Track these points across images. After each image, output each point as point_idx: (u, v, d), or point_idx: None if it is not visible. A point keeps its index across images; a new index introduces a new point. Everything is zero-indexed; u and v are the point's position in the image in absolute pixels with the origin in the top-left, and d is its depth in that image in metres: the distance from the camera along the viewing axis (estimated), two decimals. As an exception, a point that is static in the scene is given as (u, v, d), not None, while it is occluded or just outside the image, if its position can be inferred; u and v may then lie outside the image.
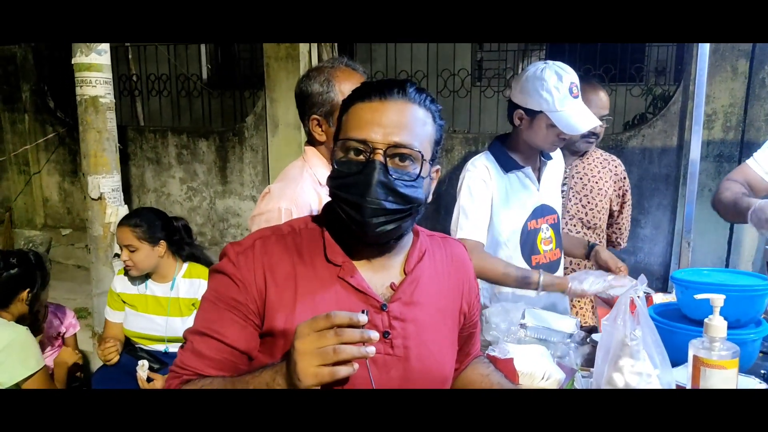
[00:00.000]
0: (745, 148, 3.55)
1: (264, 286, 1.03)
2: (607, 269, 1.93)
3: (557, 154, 2.08)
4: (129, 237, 2.36)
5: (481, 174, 1.89)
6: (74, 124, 5.47)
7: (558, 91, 1.74)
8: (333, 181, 1.02)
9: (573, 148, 2.36)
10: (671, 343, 1.28)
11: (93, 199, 3.26)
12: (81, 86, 3.17)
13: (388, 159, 0.98)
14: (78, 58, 3.12)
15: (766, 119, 3.55)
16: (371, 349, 0.81)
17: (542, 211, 1.96)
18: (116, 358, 2.42)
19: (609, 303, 1.79)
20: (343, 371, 0.80)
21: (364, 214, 0.98)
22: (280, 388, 0.87)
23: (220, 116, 6.23)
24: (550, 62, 1.80)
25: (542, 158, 1.97)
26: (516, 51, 6.55)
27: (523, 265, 1.92)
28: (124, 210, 3.29)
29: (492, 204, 1.90)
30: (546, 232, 1.97)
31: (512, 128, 1.93)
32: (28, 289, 2.24)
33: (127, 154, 5.54)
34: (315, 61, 4.78)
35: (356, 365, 0.82)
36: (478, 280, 1.98)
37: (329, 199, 1.06)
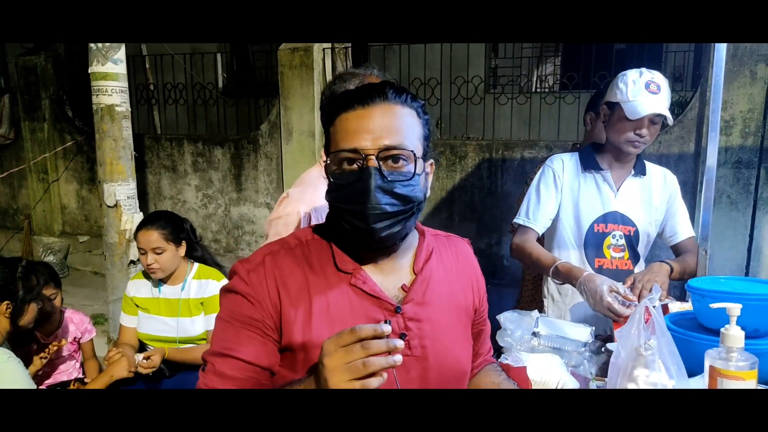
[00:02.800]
0: (765, 155, 3.49)
1: (278, 300, 1.03)
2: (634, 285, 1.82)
3: (665, 178, 2.06)
4: (157, 239, 2.38)
5: (555, 167, 2.01)
6: (92, 132, 5.55)
7: (634, 83, 1.84)
8: (332, 194, 1.03)
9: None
10: (688, 352, 1.26)
11: (108, 206, 3.30)
12: (97, 95, 3.22)
13: (381, 163, 0.98)
14: (94, 67, 3.17)
15: (786, 125, 3.49)
16: (398, 358, 0.81)
17: (615, 218, 1.98)
18: (122, 374, 2.34)
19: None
20: (374, 383, 0.80)
21: (368, 220, 0.98)
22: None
23: (235, 124, 6.28)
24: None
25: (633, 171, 2.00)
26: (530, 58, 6.52)
27: (585, 265, 1.97)
28: (139, 217, 3.32)
29: (561, 198, 1.99)
30: (617, 240, 1.98)
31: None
32: (7, 302, 2.07)
33: (144, 161, 5.61)
34: (329, 70, 4.81)
35: (385, 375, 0.81)
36: None
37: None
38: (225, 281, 2.17)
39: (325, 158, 1.05)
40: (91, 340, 2.83)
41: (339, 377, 0.81)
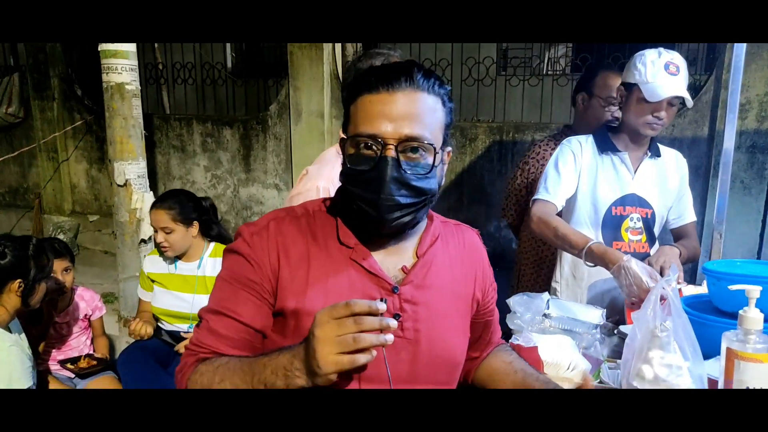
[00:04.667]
0: (780, 139, 3.45)
1: (278, 265, 1.03)
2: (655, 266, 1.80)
3: (676, 160, 2.04)
4: (165, 219, 2.40)
5: (573, 147, 1.99)
6: (102, 111, 5.54)
7: (653, 65, 1.81)
8: (346, 177, 1.02)
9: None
10: (702, 335, 1.24)
11: (119, 185, 3.30)
12: (107, 73, 3.20)
13: (399, 153, 0.97)
14: (104, 45, 3.16)
15: (803, 109, 3.44)
16: (389, 337, 0.82)
17: (632, 201, 1.96)
18: (149, 331, 2.43)
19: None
20: (362, 359, 0.81)
21: (380, 210, 0.98)
22: (298, 374, 0.87)
23: (244, 104, 6.25)
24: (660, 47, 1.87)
25: (649, 151, 1.97)
26: (539, 42, 6.44)
27: None
28: (149, 196, 3.32)
29: (579, 179, 1.96)
30: (635, 222, 1.96)
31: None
32: (19, 280, 2.07)
33: (153, 141, 5.60)
34: (339, 50, 4.77)
35: (374, 352, 0.82)
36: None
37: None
38: None
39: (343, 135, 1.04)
40: (101, 317, 2.86)
41: (328, 348, 0.81)
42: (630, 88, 1.88)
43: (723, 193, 1.92)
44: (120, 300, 3.55)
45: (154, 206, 2.46)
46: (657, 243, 2.03)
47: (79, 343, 2.74)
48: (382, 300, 0.82)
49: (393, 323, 0.82)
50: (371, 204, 0.98)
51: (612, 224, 1.96)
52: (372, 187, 0.97)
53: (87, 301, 2.78)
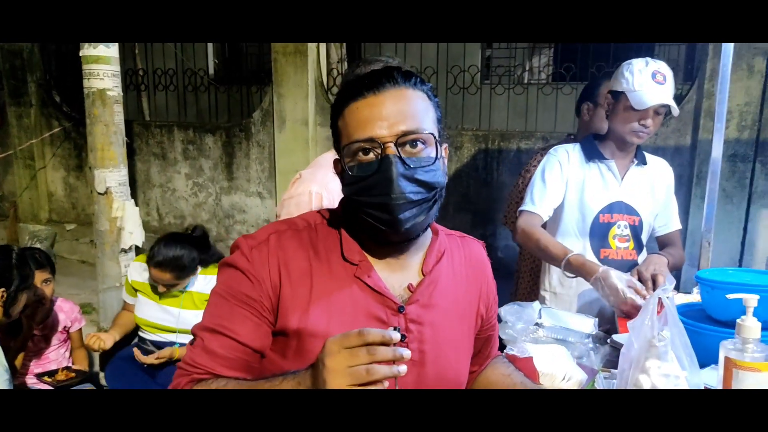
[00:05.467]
0: (761, 148, 3.50)
1: (278, 282, 0.98)
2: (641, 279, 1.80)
3: (662, 168, 2.06)
4: (170, 279, 2.38)
5: (559, 157, 1.99)
6: (80, 118, 5.45)
7: (641, 73, 1.83)
8: (351, 188, 0.98)
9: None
10: (696, 344, 1.23)
11: (99, 193, 3.23)
12: (89, 79, 3.14)
13: (400, 150, 0.94)
14: (86, 50, 3.10)
15: (782, 119, 3.50)
16: (403, 368, 0.78)
17: (620, 208, 1.97)
18: (106, 345, 2.41)
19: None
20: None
21: (393, 211, 0.94)
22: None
23: (226, 111, 6.19)
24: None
25: (635, 159, 1.98)
26: (526, 48, 6.49)
27: (591, 255, 1.94)
28: (130, 204, 3.26)
29: (566, 188, 1.96)
30: (623, 230, 1.97)
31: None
32: (2, 290, 2.02)
33: (133, 149, 5.52)
34: (324, 57, 4.75)
35: (387, 383, 0.78)
36: None
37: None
38: None
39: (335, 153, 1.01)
40: (80, 329, 2.79)
41: (339, 380, 0.77)
42: (617, 96, 1.90)
43: (711, 201, 1.93)
44: (99, 311, 3.47)
45: (156, 265, 2.35)
46: (645, 250, 2.04)
47: (57, 356, 2.67)
48: (395, 329, 0.79)
49: (407, 353, 0.78)
50: (382, 207, 0.94)
51: (599, 232, 1.97)
52: (380, 189, 0.94)
53: (66, 312, 2.70)
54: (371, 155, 0.95)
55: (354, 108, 0.96)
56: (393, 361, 0.77)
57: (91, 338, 2.40)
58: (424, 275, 1.06)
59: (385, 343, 0.77)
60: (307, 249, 1.02)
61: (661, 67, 1.87)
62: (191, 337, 1.04)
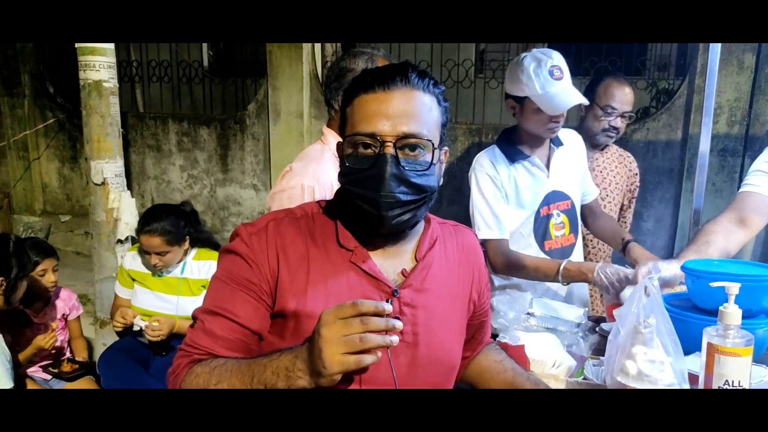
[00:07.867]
0: (750, 143, 3.55)
1: (277, 267, 1.03)
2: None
3: (574, 140, 2.07)
4: (159, 245, 2.39)
5: (487, 170, 1.93)
6: (74, 109, 5.43)
7: (538, 75, 1.78)
8: (345, 177, 1.02)
9: (594, 142, 2.35)
10: (682, 332, 1.28)
11: (95, 184, 3.24)
12: (84, 70, 3.14)
13: (398, 150, 0.97)
14: (81, 42, 3.09)
15: (771, 114, 3.55)
16: (395, 338, 0.82)
17: (554, 197, 1.98)
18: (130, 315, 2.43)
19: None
20: (368, 359, 0.81)
21: (380, 208, 0.98)
22: (301, 374, 0.87)
23: (221, 103, 6.19)
24: (534, 50, 1.85)
25: (552, 145, 1.97)
26: (520, 43, 6.52)
27: (537, 250, 1.96)
28: (126, 195, 3.26)
29: (507, 199, 1.93)
30: (558, 218, 1.98)
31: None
32: (2, 278, 2.07)
33: (127, 140, 5.51)
34: (318, 50, 4.76)
35: (380, 353, 0.82)
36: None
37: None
38: None
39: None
40: (78, 317, 2.81)
41: (334, 348, 0.81)
42: (521, 101, 1.86)
43: (699, 195, 1.97)
44: (96, 301, 3.48)
45: (145, 231, 2.40)
46: (580, 233, 2.06)
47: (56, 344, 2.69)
48: (387, 301, 0.83)
49: (399, 324, 0.82)
50: (371, 202, 0.98)
51: (542, 226, 1.98)
52: (371, 184, 0.98)
53: (64, 300, 2.73)
54: (370, 150, 0.99)
55: (363, 100, 1.00)
56: (386, 332, 0.81)
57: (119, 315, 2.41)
58: (417, 261, 1.10)
59: (378, 314, 0.81)
60: (305, 236, 1.06)
61: (554, 58, 1.81)
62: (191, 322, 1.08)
